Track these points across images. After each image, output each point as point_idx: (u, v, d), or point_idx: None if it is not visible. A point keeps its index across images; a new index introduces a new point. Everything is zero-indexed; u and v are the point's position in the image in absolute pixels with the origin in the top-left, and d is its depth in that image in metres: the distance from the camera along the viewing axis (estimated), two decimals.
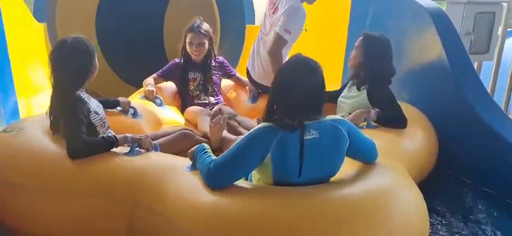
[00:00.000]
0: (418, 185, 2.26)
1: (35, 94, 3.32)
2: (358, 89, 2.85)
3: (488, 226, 2.49)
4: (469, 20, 3.76)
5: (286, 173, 1.87)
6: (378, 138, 2.43)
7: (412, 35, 3.23)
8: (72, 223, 2.04)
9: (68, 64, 2.24)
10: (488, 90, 3.61)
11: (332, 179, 1.99)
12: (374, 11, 3.60)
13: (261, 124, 1.88)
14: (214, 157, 1.96)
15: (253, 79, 3.62)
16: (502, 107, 3.95)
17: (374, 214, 1.79)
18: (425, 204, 2.04)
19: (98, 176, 2.03)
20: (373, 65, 2.77)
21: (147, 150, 2.25)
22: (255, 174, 2.09)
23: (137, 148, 2.20)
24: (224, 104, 3.60)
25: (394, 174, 2.11)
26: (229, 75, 3.82)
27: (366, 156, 2.12)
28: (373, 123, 2.66)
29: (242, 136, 1.94)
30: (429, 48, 3.07)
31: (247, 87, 3.73)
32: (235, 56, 4.96)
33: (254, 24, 4.87)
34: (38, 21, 4.33)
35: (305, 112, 1.86)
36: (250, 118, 3.19)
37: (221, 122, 2.79)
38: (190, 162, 2.07)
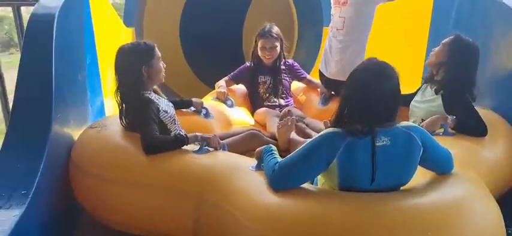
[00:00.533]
0: (501, 198, 2.11)
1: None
2: (436, 93, 2.70)
3: None
4: None
5: (354, 179, 1.83)
6: (454, 146, 2.30)
7: (498, 37, 2.98)
8: (145, 215, 2.18)
9: (127, 68, 2.41)
10: None
11: (402, 188, 1.92)
12: (458, 10, 3.38)
13: (329, 129, 1.85)
14: (279, 158, 1.97)
15: (328, 79, 3.57)
16: None
17: (445, 225, 1.71)
18: (502, 218, 1.89)
19: (169, 171, 2.16)
20: (454, 70, 2.62)
21: (215, 149, 2.34)
22: (320, 178, 2.07)
23: (206, 147, 2.30)
24: (294, 106, 3.63)
25: (468, 184, 1.97)
26: (300, 78, 3.83)
27: (441, 167, 2.01)
28: (450, 130, 2.51)
29: (310, 139, 1.94)
30: None
31: (319, 89, 3.71)
32: (311, 59, 4.94)
33: None
34: (128, 26, 4.68)
35: (377, 118, 1.80)
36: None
37: (289, 123, 2.81)
38: (256, 162, 2.12)
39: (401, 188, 1.91)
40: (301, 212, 1.76)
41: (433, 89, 2.73)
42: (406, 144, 1.82)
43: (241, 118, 3.34)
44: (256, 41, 3.58)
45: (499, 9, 2.94)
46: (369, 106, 1.79)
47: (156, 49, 2.50)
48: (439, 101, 2.67)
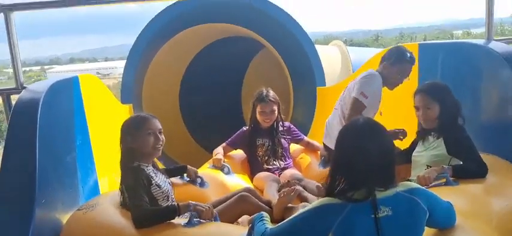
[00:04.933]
0: None
1: (117, 172, 3.53)
2: (438, 138, 2.67)
3: None
4: None
5: None
6: (460, 196, 2.18)
7: (487, 81, 2.95)
8: None
9: (123, 140, 2.45)
10: None
11: None
12: (443, 62, 3.38)
13: (323, 200, 1.69)
14: (270, 225, 1.85)
15: (324, 143, 3.59)
16: None
17: None
18: None
19: None
20: (450, 115, 2.62)
21: (209, 220, 2.24)
22: None
23: (197, 219, 2.20)
24: (293, 168, 3.56)
25: None
26: (297, 140, 3.81)
27: (445, 223, 1.87)
28: (452, 179, 2.40)
29: (304, 207, 1.80)
30: (509, 93, 2.75)
31: (319, 152, 3.68)
32: (309, 118, 4.95)
33: (325, 85, 4.85)
34: (124, 103, 4.72)
35: (373, 181, 1.65)
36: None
37: (292, 194, 2.74)
38: (246, 233, 2.00)
39: None
40: None
41: (435, 136, 2.69)
42: (410, 211, 1.66)
43: (238, 185, 3.25)
44: (254, 106, 3.58)
45: (485, 53, 2.91)
46: (360, 167, 1.66)
47: (149, 122, 2.47)
48: (441, 145, 2.62)
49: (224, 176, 3.27)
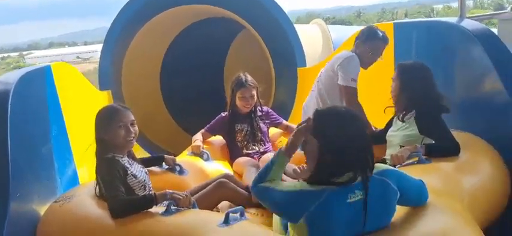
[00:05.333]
0: (489, 227, 2.04)
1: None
2: (402, 120, 2.71)
3: None
4: None
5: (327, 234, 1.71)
6: (432, 174, 2.22)
7: (460, 59, 3.00)
8: None
9: (97, 132, 2.43)
10: None
11: None
12: (417, 42, 3.41)
13: (303, 185, 1.75)
14: (272, 178, 1.89)
15: None
16: None
17: None
18: None
19: None
20: (414, 92, 2.65)
21: (187, 207, 2.24)
22: (290, 230, 1.97)
23: (175, 207, 2.20)
24: (272, 151, 3.57)
25: (450, 217, 1.87)
26: (276, 124, 3.81)
27: (418, 201, 1.92)
28: (424, 158, 2.44)
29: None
30: (480, 71, 2.80)
31: None
32: (291, 97, 4.96)
33: (305, 66, 4.85)
34: (103, 89, 4.66)
35: (358, 165, 1.70)
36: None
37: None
38: (223, 218, 2.02)
39: None
40: None
41: (401, 117, 2.72)
42: (382, 193, 1.73)
43: (218, 170, 3.25)
44: (233, 92, 3.56)
45: (457, 32, 2.95)
46: (347, 152, 1.70)
47: (120, 115, 2.43)
48: (413, 125, 2.65)
49: (203, 162, 3.26)
